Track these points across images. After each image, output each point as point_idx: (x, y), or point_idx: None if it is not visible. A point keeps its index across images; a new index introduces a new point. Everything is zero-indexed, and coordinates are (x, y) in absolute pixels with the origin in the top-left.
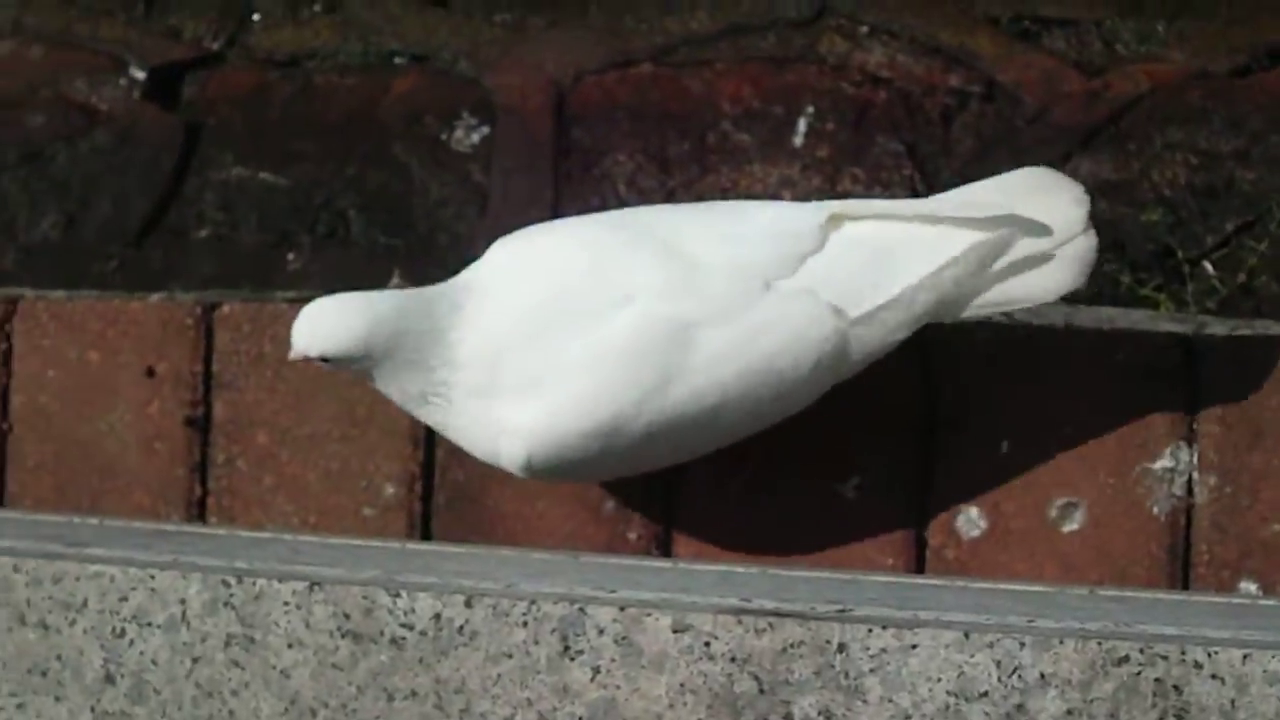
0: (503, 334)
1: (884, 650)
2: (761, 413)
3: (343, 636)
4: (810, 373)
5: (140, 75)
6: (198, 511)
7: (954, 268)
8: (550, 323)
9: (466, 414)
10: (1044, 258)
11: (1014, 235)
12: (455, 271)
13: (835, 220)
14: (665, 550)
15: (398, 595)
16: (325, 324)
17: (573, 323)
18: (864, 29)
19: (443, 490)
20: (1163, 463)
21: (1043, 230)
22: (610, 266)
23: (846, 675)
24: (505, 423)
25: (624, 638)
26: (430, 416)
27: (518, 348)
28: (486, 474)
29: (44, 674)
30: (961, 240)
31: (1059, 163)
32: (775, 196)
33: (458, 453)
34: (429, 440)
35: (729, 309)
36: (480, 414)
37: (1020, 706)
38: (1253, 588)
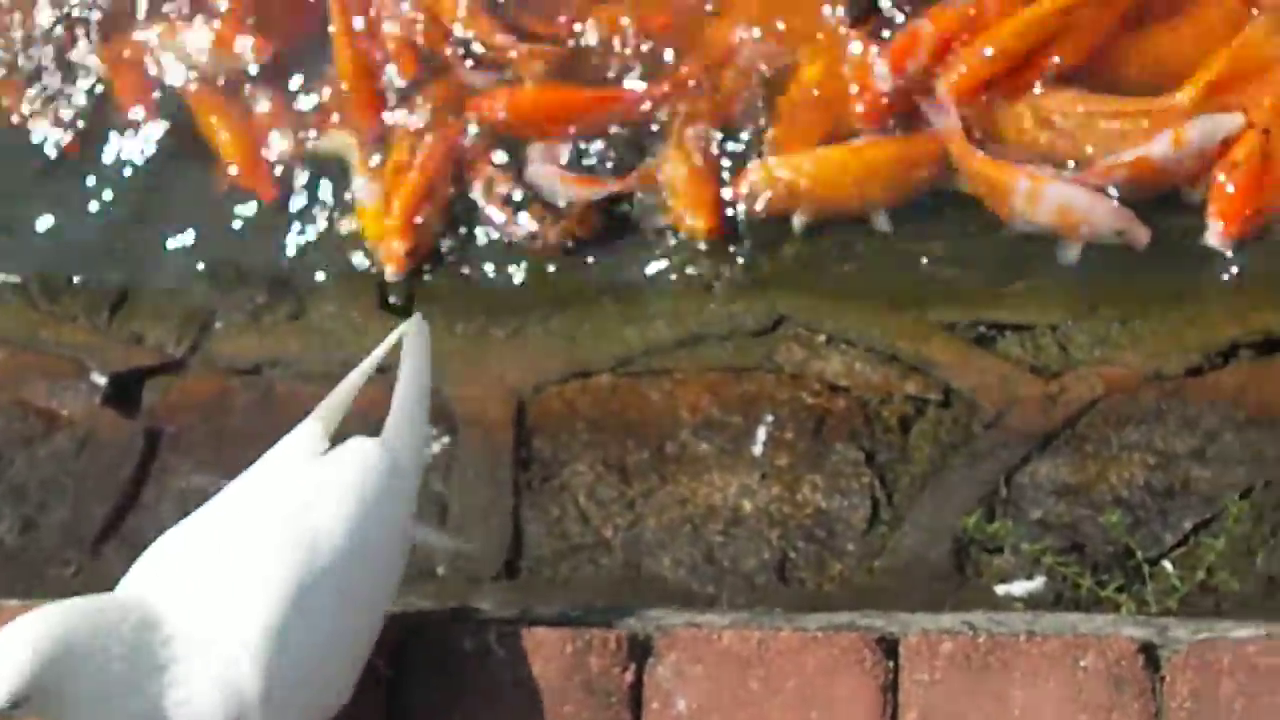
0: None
1: None
2: None
3: None
4: None
5: (101, 381)
6: None
7: None
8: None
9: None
10: None
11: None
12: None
13: None
14: None
15: None
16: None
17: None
18: (821, 338)
19: None
20: None
21: None
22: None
23: None
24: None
25: None
26: None
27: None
28: None
29: None
30: None
31: (1018, 466)
32: (735, 506)
33: None
34: None
35: None
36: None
37: None
38: None
